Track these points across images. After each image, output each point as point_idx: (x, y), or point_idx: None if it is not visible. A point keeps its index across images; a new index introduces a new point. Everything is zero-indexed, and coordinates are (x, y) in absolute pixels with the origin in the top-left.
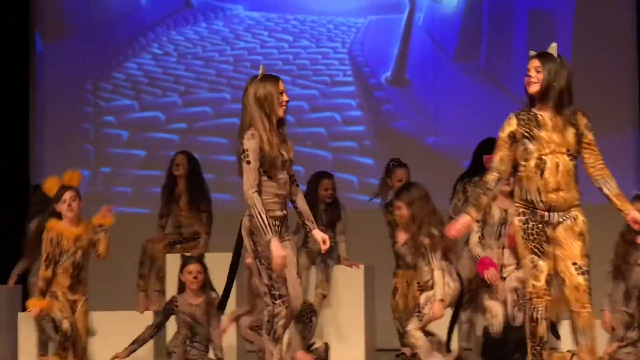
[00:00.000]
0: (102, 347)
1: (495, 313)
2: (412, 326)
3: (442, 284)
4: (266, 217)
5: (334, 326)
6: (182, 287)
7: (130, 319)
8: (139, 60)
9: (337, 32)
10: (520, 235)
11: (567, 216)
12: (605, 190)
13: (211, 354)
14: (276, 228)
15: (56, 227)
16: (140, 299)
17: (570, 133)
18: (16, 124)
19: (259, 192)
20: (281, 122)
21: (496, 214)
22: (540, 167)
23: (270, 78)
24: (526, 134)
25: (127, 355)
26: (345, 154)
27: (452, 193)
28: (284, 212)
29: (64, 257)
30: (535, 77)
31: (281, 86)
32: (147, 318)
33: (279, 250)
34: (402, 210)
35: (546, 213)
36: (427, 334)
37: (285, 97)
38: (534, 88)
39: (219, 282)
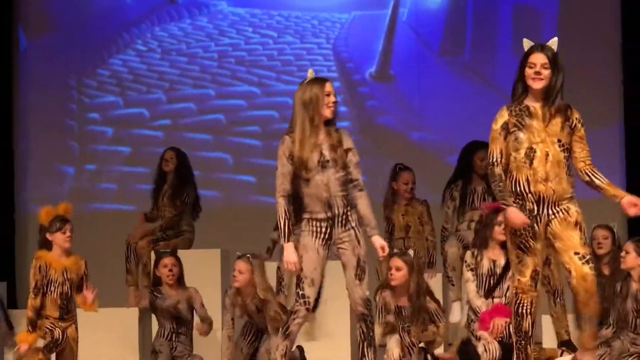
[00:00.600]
0: (88, 345)
1: (491, 339)
2: None
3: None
4: (285, 222)
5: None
6: (157, 282)
7: (116, 315)
8: (123, 56)
9: (321, 27)
10: (509, 230)
11: (558, 209)
12: (597, 181)
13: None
14: (321, 229)
15: (45, 257)
16: (130, 294)
17: (562, 125)
18: (0, 121)
19: (301, 194)
20: (330, 123)
21: (485, 264)
22: (530, 156)
23: (317, 81)
24: (518, 123)
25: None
26: None
27: (441, 201)
28: (329, 213)
29: (51, 287)
30: (543, 74)
31: (327, 88)
32: (133, 315)
33: (290, 256)
34: (402, 272)
35: (535, 206)
36: None
37: (332, 98)
38: (539, 84)
39: (203, 279)
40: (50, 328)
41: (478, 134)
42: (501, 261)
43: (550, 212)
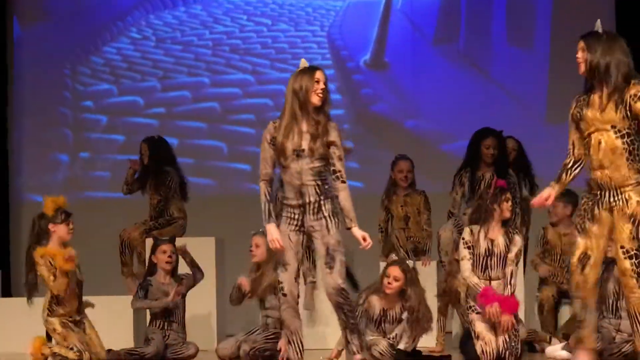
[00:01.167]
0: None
1: (488, 340)
2: None
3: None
4: (266, 204)
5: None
6: (152, 270)
7: (110, 304)
8: (117, 44)
9: (315, 15)
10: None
11: (620, 197)
12: None
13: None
14: (294, 216)
15: (48, 253)
16: (129, 284)
17: (616, 109)
18: None
19: (269, 182)
20: (319, 111)
21: (482, 245)
22: (588, 145)
23: (308, 69)
24: (578, 114)
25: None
26: None
27: (451, 187)
28: (300, 201)
29: (71, 280)
30: (581, 57)
31: (317, 75)
32: (126, 303)
33: (272, 234)
34: (400, 282)
35: (599, 191)
36: None
37: (321, 86)
38: (581, 69)
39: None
40: (78, 349)
41: (473, 121)
42: (499, 240)
43: (613, 199)
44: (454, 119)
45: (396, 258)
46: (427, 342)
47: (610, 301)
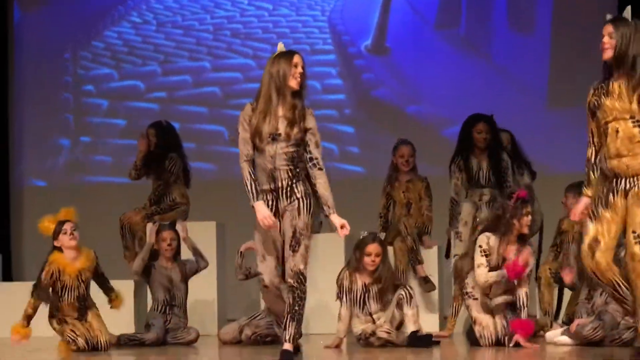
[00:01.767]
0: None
1: (485, 324)
2: None
3: None
4: (251, 184)
5: (315, 293)
6: (156, 255)
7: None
8: (118, 29)
9: (317, 0)
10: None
11: (637, 183)
12: None
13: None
14: (267, 202)
15: (58, 262)
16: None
17: (635, 99)
18: None
19: (250, 163)
20: (296, 95)
21: (494, 259)
22: (605, 133)
23: (286, 53)
24: (596, 103)
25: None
26: (325, 123)
27: (449, 175)
28: (272, 185)
29: (66, 292)
30: (608, 42)
31: (295, 59)
32: (128, 287)
33: (261, 212)
34: (380, 257)
35: (615, 179)
36: None
37: (299, 69)
38: (607, 54)
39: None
40: (72, 338)
41: (474, 106)
42: (510, 255)
43: (629, 185)
44: (455, 104)
45: (367, 234)
46: (437, 327)
47: None
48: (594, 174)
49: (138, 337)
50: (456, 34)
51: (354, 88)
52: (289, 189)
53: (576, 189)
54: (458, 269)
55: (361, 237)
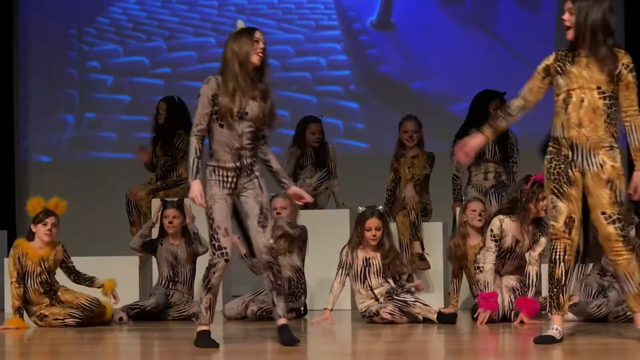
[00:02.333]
0: (89, 292)
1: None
2: None
3: None
4: (194, 160)
5: (321, 270)
6: (163, 232)
7: (117, 263)
8: (123, 4)
9: None
10: (545, 174)
11: (594, 162)
12: (628, 139)
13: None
14: (227, 179)
15: (22, 247)
16: None
17: (605, 70)
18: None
19: (210, 139)
20: (259, 72)
21: (508, 241)
22: (566, 101)
23: (247, 29)
24: (559, 69)
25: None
26: (330, 99)
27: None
28: (238, 164)
29: (30, 279)
30: (568, 20)
31: (256, 35)
32: (133, 263)
33: (194, 191)
34: (381, 231)
35: (570, 152)
36: None
37: (260, 45)
38: (569, 33)
39: (202, 228)
40: (61, 323)
41: (479, 82)
42: (525, 242)
43: (585, 162)
44: (460, 80)
45: (365, 209)
46: (442, 303)
47: None
48: (504, 122)
49: (138, 305)
50: (462, 9)
51: (359, 64)
52: (250, 167)
53: None
54: (451, 247)
55: (359, 212)
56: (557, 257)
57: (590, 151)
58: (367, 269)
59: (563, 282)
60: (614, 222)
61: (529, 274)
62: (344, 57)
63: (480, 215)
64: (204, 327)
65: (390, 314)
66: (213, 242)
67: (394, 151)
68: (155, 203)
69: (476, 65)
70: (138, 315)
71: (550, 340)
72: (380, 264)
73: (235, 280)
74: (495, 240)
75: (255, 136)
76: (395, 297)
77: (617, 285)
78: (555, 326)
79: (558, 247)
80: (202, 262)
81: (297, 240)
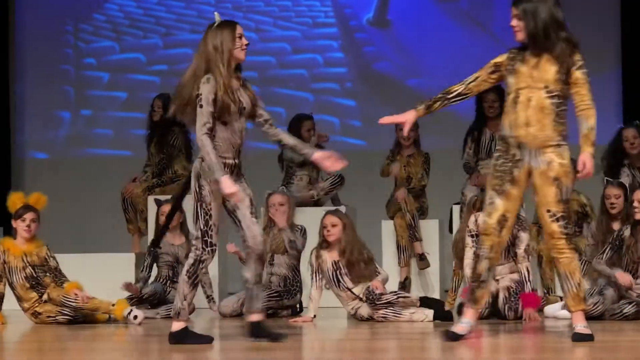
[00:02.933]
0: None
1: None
2: None
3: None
4: (217, 157)
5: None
6: (165, 231)
7: (112, 260)
8: (119, 1)
9: None
10: (491, 171)
11: (541, 159)
12: (579, 128)
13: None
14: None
15: (4, 244)
16: (134, 241)
17: (553, 70)
18: None
19: (212, 137)
20: (239, 67)
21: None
22: (515, 101)
23: (228, 24)
24: (510, 67)
25: (139, 291)
26: (326, 96)
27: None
28: (236, 160)
29: (15, 275)
30: (517, 25)
31: (239, 30)
32: (129, 260)
33: (231, 187)
34: (338, 228)
35: (518, 151)
36: None
37: (244, 41)
38: (519, 37)
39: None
40: (53, 320)
41: None
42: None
43: (533, 160)
44: (457, 77)
45: (329, 209)
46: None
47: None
48: (439, 103)
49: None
50: (458, 7)
51: (355, 61)
52: (240, 165)
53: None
54: (456, 243)
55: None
56: (483, 254)
57: (538, 150)
58: (337, 271)
59: (483, 278)
60: (558, 220)
61: (521, 271)
62: (340, 54)
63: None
64: (186, 324)
65: (383, 317)
66: (205, 239)
67: (391, 151)
68: (152, 200)
69: (472, 62)
70: (135, 303)
71: (455, 337)
72: (345, 264)
73: (231, 278)
74: (472, 236)
75: (246, 130)
76: (377, 302)
77: (612, 283)
78: (467, 319)
79: (486, 243)
80: None
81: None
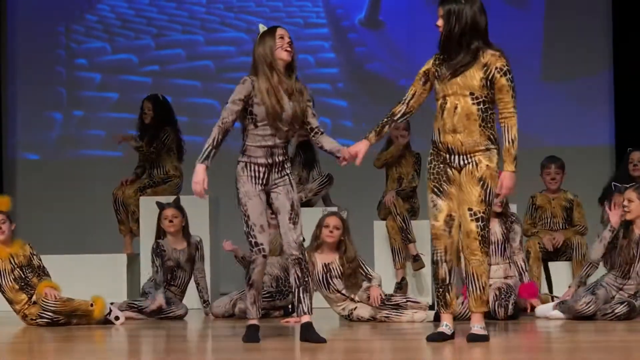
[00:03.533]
0: (78, 290)
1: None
2: None
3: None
4: (210, 148)
5: None
6: (161, 234)
7: (105, 261)
8: (111, 2)
9: None
10: (426, 176)
11: (470, 160)
12: (504, 137)
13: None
14: (259, 175)
15: None
16: (126, 242)
17: (477, 76)
18: None
19: (243, 137)
20: (289, 68)
21: (498, 232)
22: (442, 107)
23: (269, 29)
24: (436, 73)
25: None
26: (318, 96)
27: None
28: (269, 160)
29: (4, 278)
30: (442, 25)
31: (279, 31)
32: (121, 261)
33: (198, 176)
34: (340, 231)
35: (447, 155)
36: None
37: (286, 39)
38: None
39: (193, 225)
40: (34, 322)
41: None
42: (495, 229)
43: (462, 162)
44: None
45: (331, 210)
46: (430, 301)
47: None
48: (387, 127)
49: (136, 304)
50: None
51: (347, 62)
52: (281, 164)
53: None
54: None
55: (322, 214)
56: (439, 258)
57: (467, 154)
58: (328, 274)
59: (447, 282)
60: (477, 220)
61: (517, 263)
62: (332, 55)
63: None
64: (253, 321)
65: (386, 316)
66: (250, 239)
67: (381, 151)
68: (144, 201)
69: None
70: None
71: (442, 337)
72: (339, 267)
73: (223, 279)
74: None
75: (289, 135)
76: (387, 303)
77: (604, 282)
78: (445, 322)
79: (439, 247)
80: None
81: None
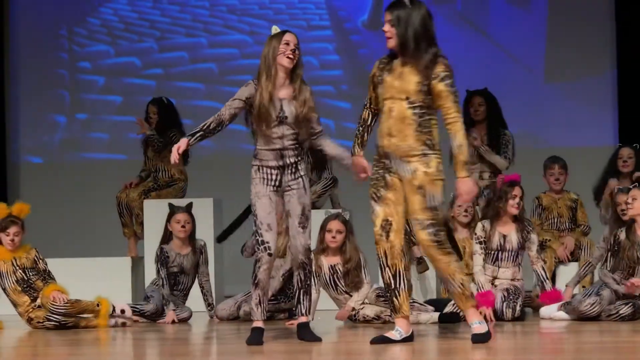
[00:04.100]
0: (81, 293)
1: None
2: None
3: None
4: (200, 129)
5: None
6: (168, 237)
7: (109, 265)
8: (114, 5)
9: None
10: (369, 181)
11: (407, 168)
12: (451, 144)
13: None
14: (271, 177)
15: None
16: (130, 245)
17: (414, 81)
18: None
19: (254, 140)
20: (292, 74)
21: (495, 240)
22: (382, 111)
23: (278, 33)
24: (379, 77)
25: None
26: (322, 98)
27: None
28: (281, 162)
29: (6, 280)
30: (389, 31)
31: (286, 37)
32: (126, 264)
33: (180, 145)
34: (343, 234)
35: (386, 160)
36: None
37: (290, 47)
38: (390, 43)
39: (196, 228)
40: (41, 325)
41: (470, 81)
42: (512, 237)
43: (400, 169)
44: None
45: (333, 213)
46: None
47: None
48: (366, 135)
49: (138, 308)
50: (453, 9)
51: (350, 63)
52: (295, 166)
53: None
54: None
55: (325, 216)
56: (381, 262)
57: (402, 159)
58: (334, 275)
59: (393, 286)
60: (425, 228)
61: (537, 271)
62: (335, 57)
63: (466, 211)
64: (257, 324)
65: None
66: (257, 237)
67: None
68: (148, 204)
69: (468, 63)
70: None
71: (387, 340)
72: (344, 270)
73: (227, 281)
74: (480, 243)
75: (298, 136)
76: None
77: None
78: (397, 327)
79: (379, 252)
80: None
81: None
